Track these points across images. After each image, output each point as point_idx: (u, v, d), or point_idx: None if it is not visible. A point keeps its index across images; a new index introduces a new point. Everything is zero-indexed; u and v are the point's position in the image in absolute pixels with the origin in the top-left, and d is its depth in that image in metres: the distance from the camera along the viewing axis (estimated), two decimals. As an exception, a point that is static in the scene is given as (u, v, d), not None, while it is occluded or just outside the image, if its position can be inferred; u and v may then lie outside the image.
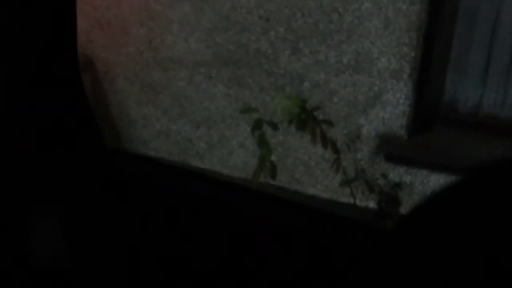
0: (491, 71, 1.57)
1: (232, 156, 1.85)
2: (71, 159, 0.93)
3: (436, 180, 1.59)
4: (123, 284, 0.93)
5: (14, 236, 0.94)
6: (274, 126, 1.44)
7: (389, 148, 1.63)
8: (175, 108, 1.89)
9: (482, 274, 0.28)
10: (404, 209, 1.62)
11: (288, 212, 0.92)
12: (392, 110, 1.61)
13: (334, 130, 1.56)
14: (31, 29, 0.87)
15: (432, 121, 1.64)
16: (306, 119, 1.41)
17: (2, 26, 0.84)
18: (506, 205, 0.30)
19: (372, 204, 1.64)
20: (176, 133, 1.90)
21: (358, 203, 1.64)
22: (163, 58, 1.89)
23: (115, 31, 1.94)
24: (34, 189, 0.93)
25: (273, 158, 1.51)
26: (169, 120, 1.91)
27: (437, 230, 0.31)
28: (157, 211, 0.94)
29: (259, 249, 0.86)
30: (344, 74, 1.65)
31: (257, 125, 1.41)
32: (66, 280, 0.90)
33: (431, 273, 0.30)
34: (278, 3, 1.68)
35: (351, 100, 1.65)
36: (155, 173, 0.99)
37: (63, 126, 0.94)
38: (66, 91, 0.94)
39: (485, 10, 1.55)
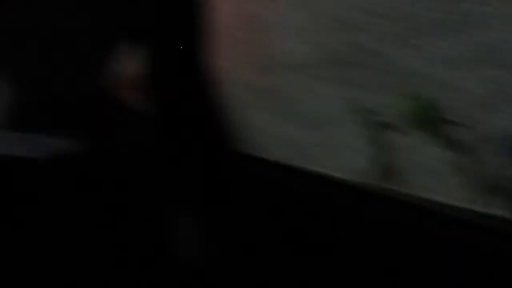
0: None
1: (341, 159, 1.81)
2: (203, 161, 0.98)
3: None
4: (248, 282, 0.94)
5: (158, 233, 1.01)
6: (392, 128, 1.37)
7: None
8: (284, 111, 1.91)
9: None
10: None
11: (410, 214, 0.85)
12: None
13: (459, 131, 1.44)
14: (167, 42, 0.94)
15: None
16: (432, 120, 1.32)
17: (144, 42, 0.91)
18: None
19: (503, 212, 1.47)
20: (287, 137, 1.92)
21: (484, 209, 1.48)
22: (272, 62, 1.92)
23: (225, 38, 2.03)
24: (175, 190, 1.00)
25: (389, 160, 1.44)
26: (277, 123, 1.93)
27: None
28: (280, 213, 0.94)
29: (381, 252, 0.81)
30: (466, 67, 1.52)
31: (373, 126, 1.36)
32: (203, 278, 0.94)
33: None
34: (391, -2, 1.60)
35: (476, 96, 1.51)
36: (276, 175, 1.00)
37: (198, 130, 0.99)
38: (200, 100, 0.99)
39: None
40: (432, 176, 1.61)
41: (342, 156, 1.79)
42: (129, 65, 1.04)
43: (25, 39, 0.87)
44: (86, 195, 0.97)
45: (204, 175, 0.97)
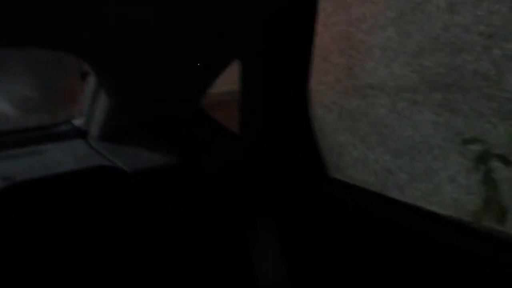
0: None
1: (439, 191, 1.64)
2: (294, 182, 0.94)
3: None
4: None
5: (240, 246, 0.98)
6: (505, 160, 1.21)
7: None
8: (374, 136, 1.80)
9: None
10: None
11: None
12: None
13: None
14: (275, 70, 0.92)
15: None
16: None
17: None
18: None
19: None
20: (374, 162, 1.80)
21: None
22: (363, 85, 1.84)
23: (316, 60, 1.99)
24: (261, 204, 0.97)
25: (501, 198, 1.27)
26: (367, 148, 1.82)
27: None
28: (370, 241, 0.86)
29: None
30: None
31: (483, 158, 1.21)
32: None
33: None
34: (505, 16, 1.45)
35: None
36: (369, 203, 0.91)
37: (293, 152, 0.96)
38: (298, 125, 0.96)
39: None
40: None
41: (436, 187, 1.63)
42: (225, 84, 1.04)
43: (131, 62, 0.91)
44: (174, 206, 0.97)
45: (291, 195, 0.92)
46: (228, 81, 1.02)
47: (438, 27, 1.60)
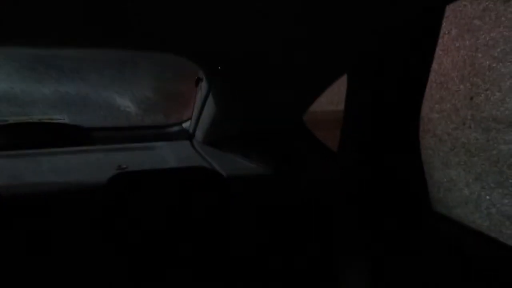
0: None
1: None
2: (394, 213, 0.88)
3: None
4: None
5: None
6: None
7: None
8: (493, 175, 1.61)
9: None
10: None
11: None
12: None
13: None
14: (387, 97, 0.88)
15: None
16: None
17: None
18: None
19: None
20: (489, 204, 1.61)
21: None
22: (485, 116, 1.66)
23: (431, 86, 1.85)
24: (355, 231, 0.92)
25: None
26: (482, 187, 1.64)
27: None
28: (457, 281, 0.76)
29: None
30: None
31: None
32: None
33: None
34: None
35: None
36: (475, 245, 0.81)
37: (398, 183, 0.90)
38: (404, 153, 0.91)
39: None
40: None
41: None
42: (326, 102, 1.02)
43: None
44: (263, 215, 0.97)
45: (389, 226, 0.86)
46: (334, 100, 0.99)
47: None
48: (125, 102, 1.73)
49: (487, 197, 1.62)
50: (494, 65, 1.64)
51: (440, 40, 1.86)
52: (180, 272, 1.00)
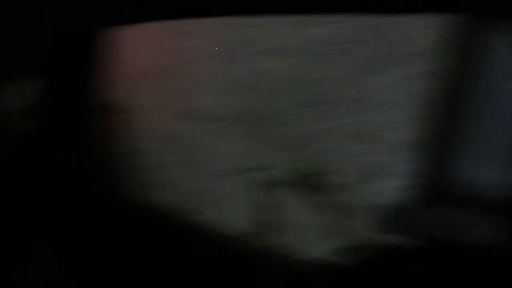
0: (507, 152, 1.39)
1: (225, 212, 1.79)
2: (71, 203, 0.93)
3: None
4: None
5: (14, 267, 0.93)
6: (275, 186, 1.37)
7: (393, 220, 1.47)
8: (184, 160, 1.90)
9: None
10: None
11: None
12: (396, 182, 1.46)
13: (336, 197, 1.45)
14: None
15: (441, 197, 1.46)
16: (313, 183, 1.34)
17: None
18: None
19: None
20: (180, 184, 1.90)
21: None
22: (184, 111, 1.95)
23: (142, 83, 2.07)
24: (38, 229, 0.94)
25: (265, 218, 1.42)
26: (175, 170, 1.92)
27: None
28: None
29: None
30: (350, 142, 1.56)
31: (256, 184, 1.36)
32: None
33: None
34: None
35: (355, 169, 1.53)
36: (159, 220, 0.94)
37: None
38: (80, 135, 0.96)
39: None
40: (304, 234, 1.58)
41: (226, 210, 1.76)
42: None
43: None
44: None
45: (73, 218, 0.92)
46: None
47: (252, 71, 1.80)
48: None
49: (182, 180, 1.91)
50: (191, 67, 1.96)
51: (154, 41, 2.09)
52: None
